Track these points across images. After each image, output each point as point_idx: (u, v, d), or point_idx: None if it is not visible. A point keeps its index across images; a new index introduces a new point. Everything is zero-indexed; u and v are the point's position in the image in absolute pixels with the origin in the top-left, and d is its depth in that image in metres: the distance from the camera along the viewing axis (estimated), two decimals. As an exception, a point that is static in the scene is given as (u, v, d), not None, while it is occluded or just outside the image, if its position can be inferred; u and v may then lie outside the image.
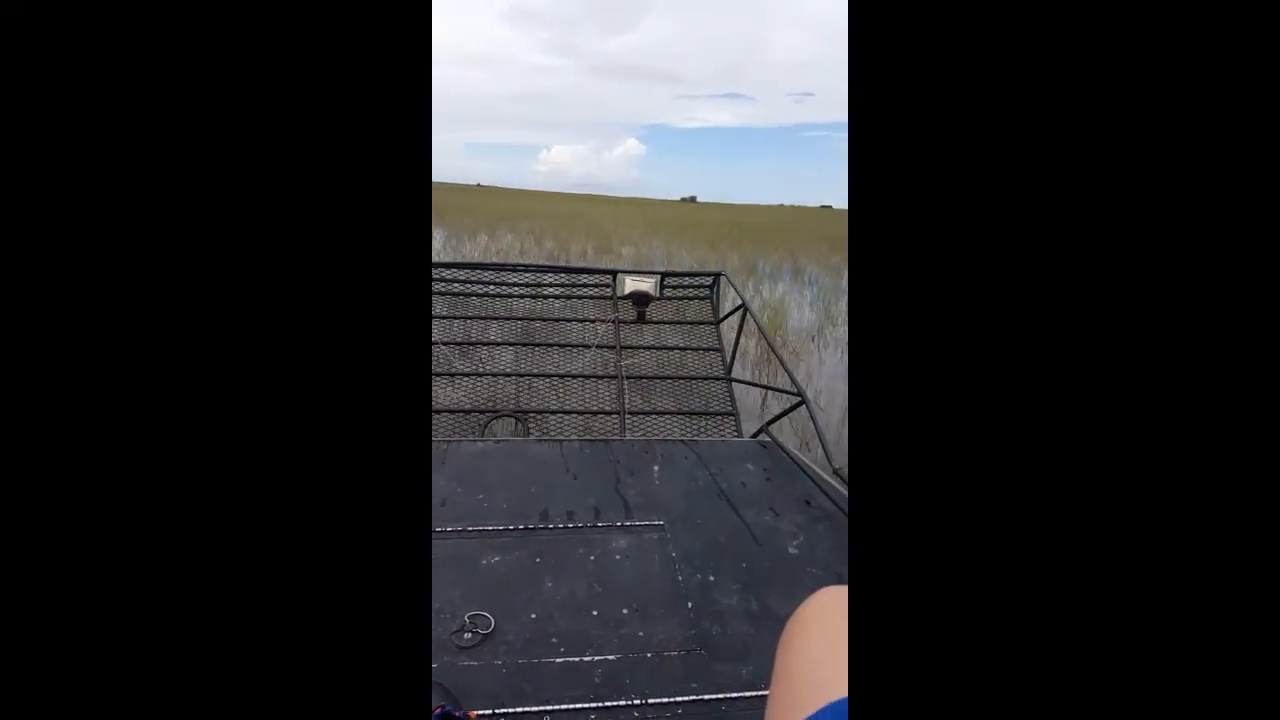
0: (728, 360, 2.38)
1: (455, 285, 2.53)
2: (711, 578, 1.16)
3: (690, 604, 1.08)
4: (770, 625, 1.04)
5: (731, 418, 2.19)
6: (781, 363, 1.95)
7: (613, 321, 2.47)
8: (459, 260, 2.94)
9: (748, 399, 3.73)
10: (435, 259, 2.54)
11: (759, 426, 1.93)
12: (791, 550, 1.26)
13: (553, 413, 2.20)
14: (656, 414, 2.23)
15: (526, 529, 1.28)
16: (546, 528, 1.29)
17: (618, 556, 1.21)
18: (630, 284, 2.53)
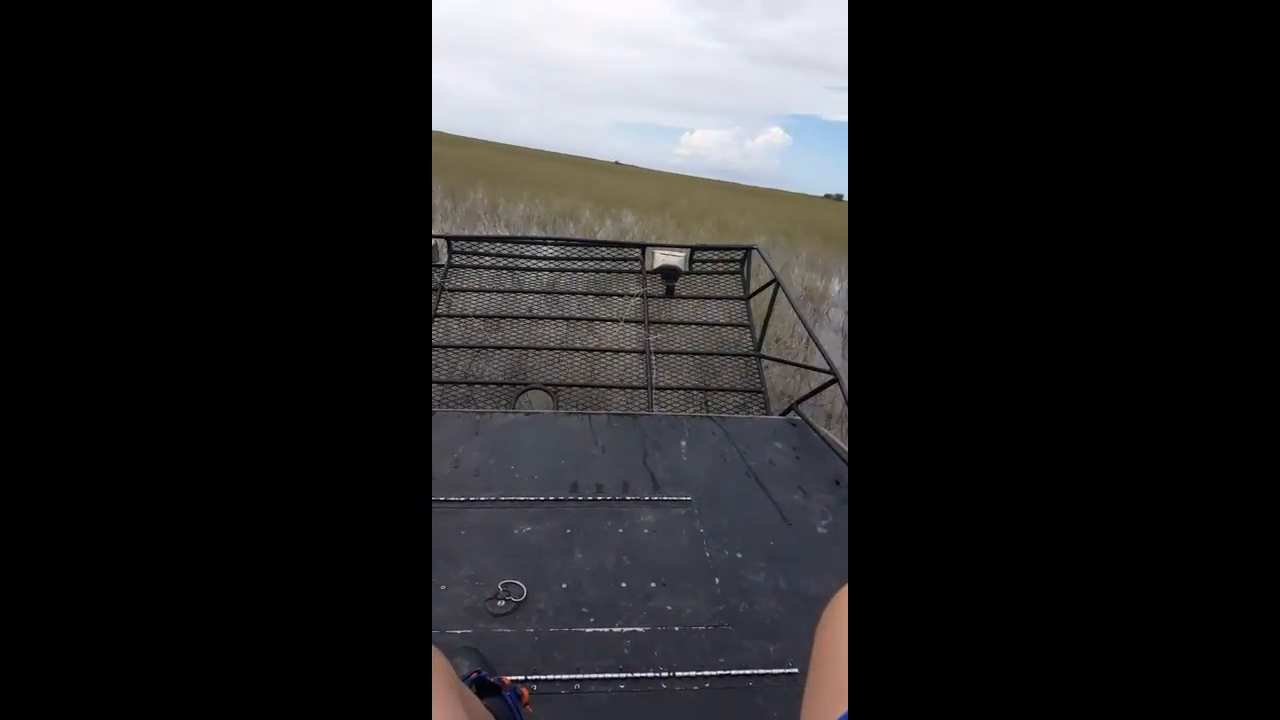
0: (757, 336, 2.36)
1: (488, 259, 2.55)
2: (739, 555, 1.17)
3: (718, 580, 1.10)
4: (798, 604, 1.05)
5: (760, 395, 2.18)
6: (814, 340, 1.92)
7: (641, 296, 2.46)
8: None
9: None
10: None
11: (789, 405, 1.92)
12: (820, 530, 1.27)
13: (581, 386, 2.22)
14: (684, 389, 2.23)
15: (557, 500, 1.30)
16: (576, 500, 1.31)
17: (646, 530, 1.23)
18: (660, 258, 2.50)
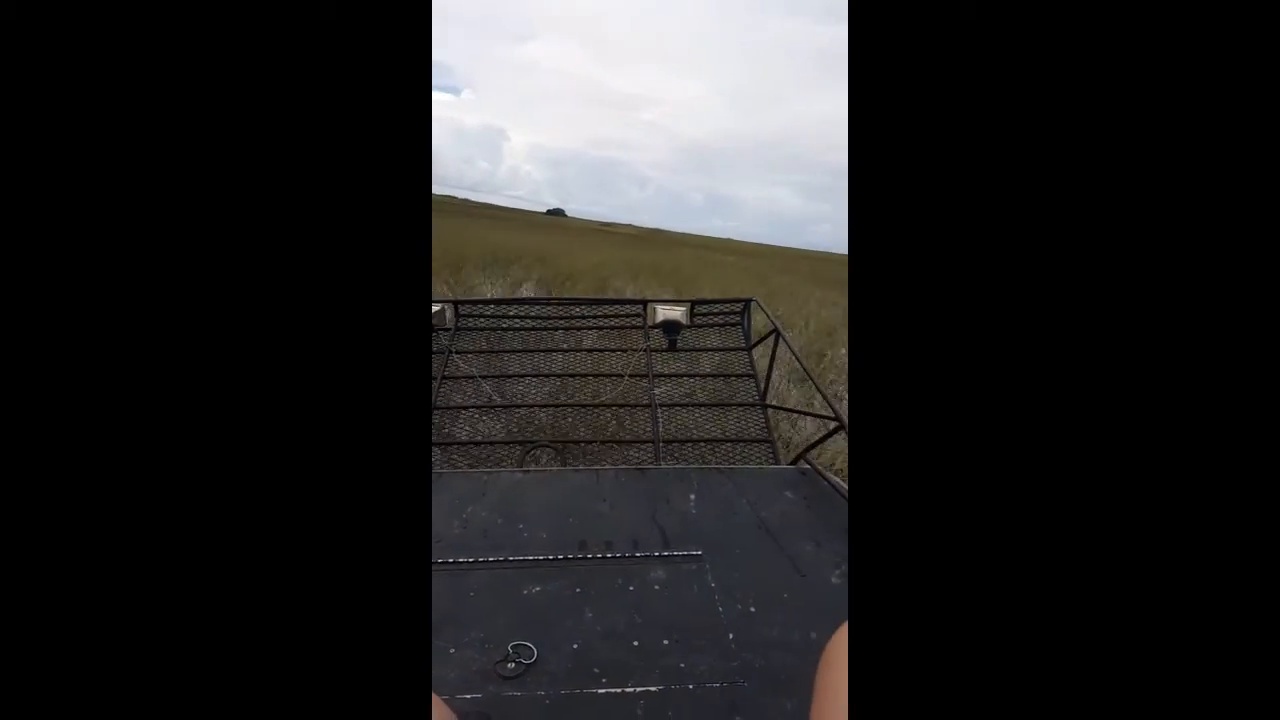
0: (761, 387, 2.37)
1: (492, 320, 2.60)
2: (752, 609, 1.15)
3: (731, 635, 1.08)
4: (814, 658, 1.03)
5: (767, 445, 2.18)
6: (818, 387, 1.93)
7: (644, 350, 2.49)
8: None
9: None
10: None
11: (797, 454, 1.92)
12: (834, 581, 1.25)
13: (588, 442, 2.22)
14: (691, 442, 2.23)
15: (566, 559, 1.29)
16: (585, 558, 1.30)
17: (656, 587, 1.21)
18: (661, 313, 2.55)
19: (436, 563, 1.25)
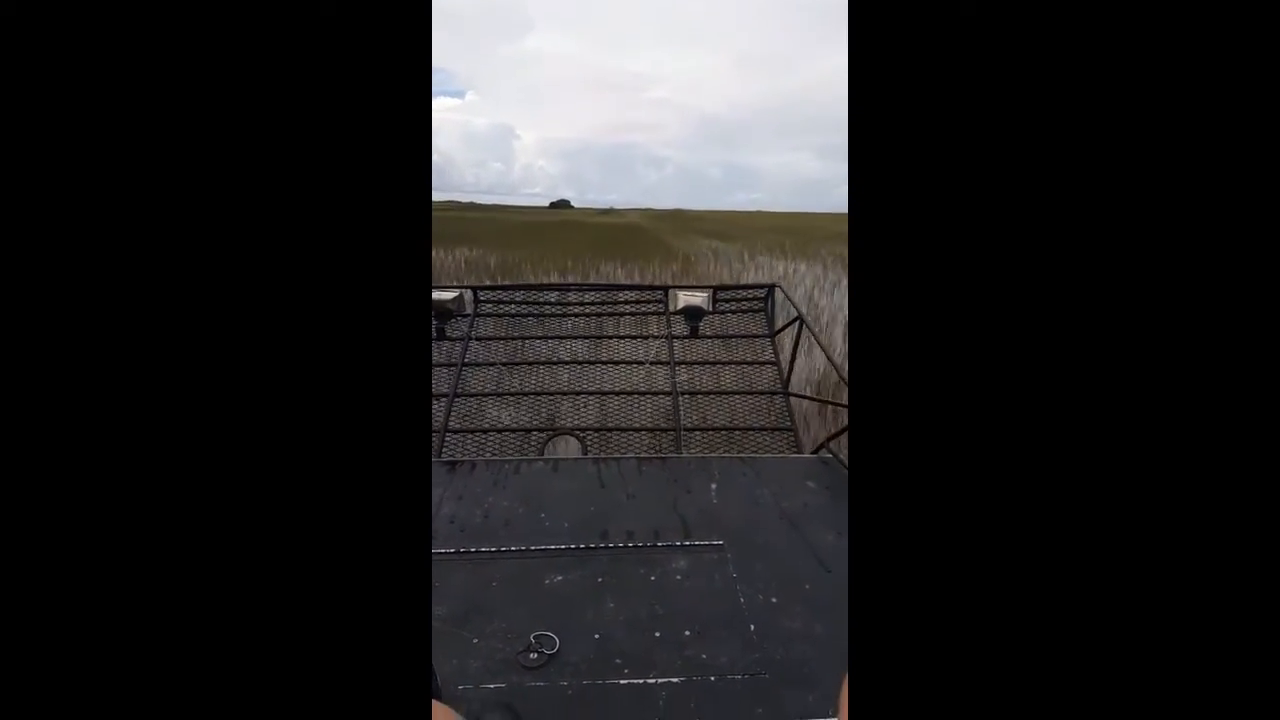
0: (784, 374, 2.34)
1: (512, 307, 2.61)
2: (774, 599, 1.14)
3: (753, 626, 1.07)
4: (837, 650, 1.02)
5: (790, 433, 2.16)
6: (840, 375, 1.90)
7: (666, 337, 2.48)
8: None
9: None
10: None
11: (819, 443, 1.89)
12: None
13: (609, 430, 2.22)
14: (713, 430, 2.22)
15: (587, 548, 1.29)
16: (606, 547, 1.30)
17: (678, 577, 1.21)
18: (683, 299, 2.53)
19: (460, 552, 1.27)
